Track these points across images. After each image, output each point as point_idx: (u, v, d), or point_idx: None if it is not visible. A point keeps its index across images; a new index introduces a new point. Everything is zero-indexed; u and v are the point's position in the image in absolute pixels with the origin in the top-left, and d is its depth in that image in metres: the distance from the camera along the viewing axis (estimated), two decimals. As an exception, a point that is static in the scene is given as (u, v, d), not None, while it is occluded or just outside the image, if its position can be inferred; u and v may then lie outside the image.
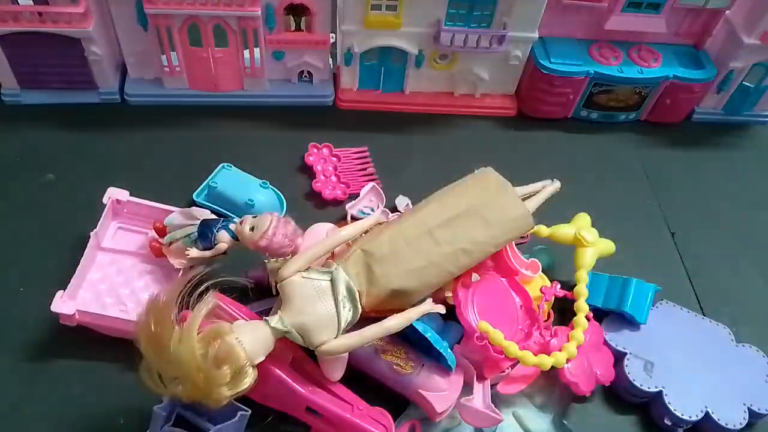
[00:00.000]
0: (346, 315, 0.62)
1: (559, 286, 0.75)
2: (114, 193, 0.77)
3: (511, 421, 0.70)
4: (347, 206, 0.85)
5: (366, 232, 0.69)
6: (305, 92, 1.00)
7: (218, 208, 0.83)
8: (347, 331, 0.62)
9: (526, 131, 1.02)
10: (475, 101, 1.03)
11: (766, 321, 0.83)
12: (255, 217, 0.68)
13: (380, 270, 0.64)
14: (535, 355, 0.66)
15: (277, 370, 0.61)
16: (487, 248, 0.69)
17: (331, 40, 0.95)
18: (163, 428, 0.59)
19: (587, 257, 0.76)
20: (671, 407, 0.70)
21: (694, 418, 0.70)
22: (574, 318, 0.71)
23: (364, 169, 0.92)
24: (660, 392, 0.71)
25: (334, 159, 0.92)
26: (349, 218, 0.84)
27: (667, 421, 0.70)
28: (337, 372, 0.64)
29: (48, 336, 0.71)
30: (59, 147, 0.90)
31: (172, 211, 0.75)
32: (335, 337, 0.61)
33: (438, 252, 0.66)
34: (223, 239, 0.69)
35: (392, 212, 0.84)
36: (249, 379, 0.56)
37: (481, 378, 0.68)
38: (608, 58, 0.97)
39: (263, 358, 0.58)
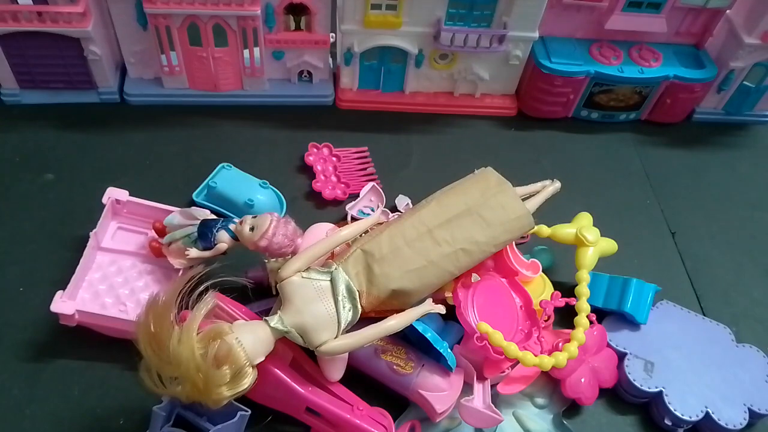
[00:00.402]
0: (346, 315, 0.62)
1: (560, 296, 0.74)
2: (114, 193, 0.77)
3: (511, 421, 0.70)
4: (347, 206, 0.85)
5: (366, 232, 0.69)
6: (305, 92, 1.00)
7: (218, 208, 0.83)
8: (347, 331, 0.62)
9: (527, 131, 1.02)
10: (475, 101, 1.03)
11: (767, 321, 0.83)
12: (255, 217, 0.68)
13: (380, 270, 0.64)
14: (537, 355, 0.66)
15: (277, 371, 0.61)
16: (487, 248, 0.69)
17: (331, 40, 0.95)
18: (163, 428, 0.60)
19: (588, 257, 0.76)
20: (671, 407, 0.70)
21: (694, 418, 0.70)
22: (576, 318, 0.71)
23: (364, 169, 0.92)
24: (660, 392, 0.71)
25: (334, 159, 0.92)
26: (349, 218, 0.84)
27: (667, 421, 0.70)
28: (336, 372, 0.64)
29: (48, 336, 0.71)
30: (59, 147, 0.90)
31: (171, 211, 0.75)
32: (335, 338, 0.61)
33: (438, 252, 0.66)
34: (223, 239, 0.69)
35: (392, 212, 0.84)
36: (249, 379, 0.56)
37: (481, 378, 0.68)
38: (609, 58, 0.97)
39: (263, 359, 0.58)
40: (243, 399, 0.59)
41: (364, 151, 0.94)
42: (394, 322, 0.62)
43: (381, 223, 0.72)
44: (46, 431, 0.65)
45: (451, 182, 0.74)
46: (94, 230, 0.74)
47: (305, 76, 0.99)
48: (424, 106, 1.02)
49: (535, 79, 0.98)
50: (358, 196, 0.87)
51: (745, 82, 1.02)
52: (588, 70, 0.96)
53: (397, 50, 0.94)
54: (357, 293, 0.63)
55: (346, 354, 0.64)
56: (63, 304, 0.67)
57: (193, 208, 0.75)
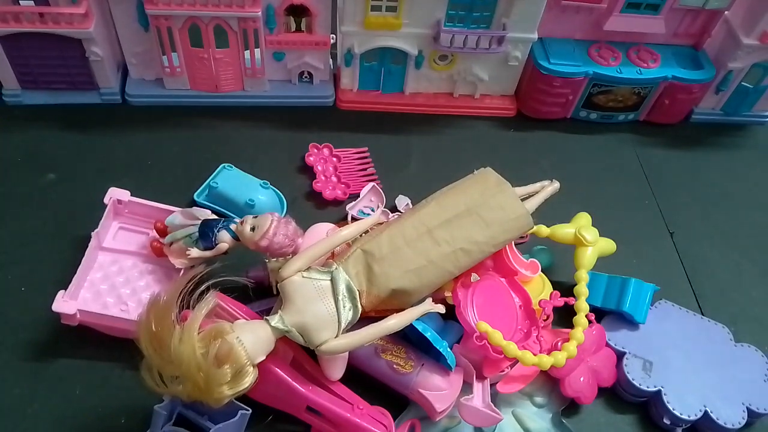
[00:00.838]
0: (347, 315, 0.62)
1: (559, 295, 0.75)
2: (115, 193, 0.77)
3: (510, 420, 0.70)
4: (347, 206, 0.85)
5: (366, 232, 0.69)
6: (305, 93, 1.00)
7: (219, 208, 0.83)
8: (347, 330, 0.62)
9: (526, 131, 1.03)
10: (474, 102, 1.03)
11: (765, 320, 0.83)
12: (256, 217, 0.68)
13: (380, 270, 0.64)
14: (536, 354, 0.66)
15: (278, 370, 0.61)
16: (487, 248, 0.70)
17: (332, 41, 0.95)
18: (164, 427, 0.60)
19: (587, 257, 0.76)
20: (670, 406, 0.70)
21: (693, 418, 0.70)
22: (575, 317, 0.71)
23: (365, 170, 0.92)
24: (659, 392, 0.71)
25: (335, 159, 0.92)
26: (349, 218, 0.84)
27: (666, 421, 0.71)
28: (337, 371, 0.64)
29: (49, 336, 0.71)
30: (60, 147, 0.90)
31: (173, 211, 0.75)
32: (335, 337, 0.61)
33: (437, 252, 0.67)
34: (224, 239, 0.69)
35: (392, 212, 0.84)
36: (249, 378, 0.57)
37: (480, 377, 0.68)
38: (607, 59, 0.97)
39: (264, 358, 0.58)
40: (244, 398, 0.59)
41: (364, 152, 0.94)
42: (394, 322, 0.62)
43: (381, 223, 0.72)
44: (48, 430, 0.66)
45: (451, 182, 0.74)
46: (95, 230, 0.74)
47: (306, 77, 1.00)
48: (424, 107, 1.02)
49: (534, 79, 0.98)
50: (358, 196, 0.87)
51: (743, 83, 1.02)
52: (587, 70, 0.96)
53: (397, 51, 0.94)
54: (357, 293, 0.63)
55: (347, 353, 0.64)
56: (65, 303, 0.67)
57: (194, 208, 0.75)
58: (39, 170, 0.87)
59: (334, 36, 0.97)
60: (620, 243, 0.81)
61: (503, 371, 0.69)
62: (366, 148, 0.94)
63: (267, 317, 0.60)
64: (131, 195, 0.77)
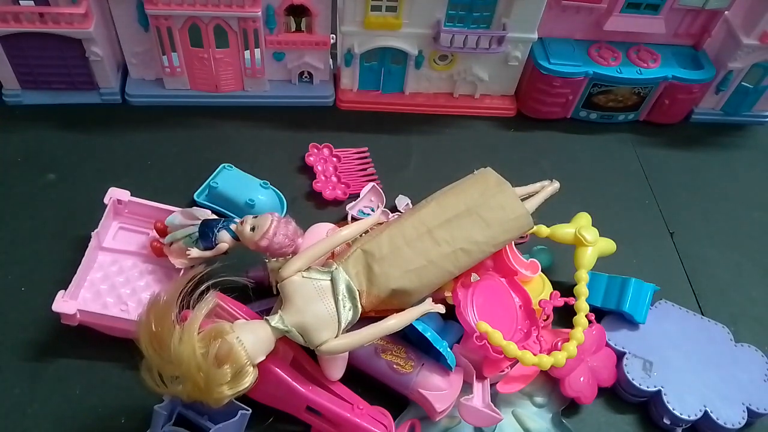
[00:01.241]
0: (347, 315, 0.62)
1: (559, 295, 0.75)
2: (115, 193, 0.77)
3: (510, 420, 0.70)
4: (347, 206, 0.85)
5: (366, 232, 0.69)
6: (305, 93, 1.00)
7: (219, 208, 0.83)
8: (347, 330, 0.62)
9: (526, 131, 1.03)
10: (474, 102, 1.03)
11: (765, 320, 0.83)
12: (256, 217, 0.68)
13: (380, 270, 0.64)
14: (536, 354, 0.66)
15: (278, 370, 0.61)
16: (487, 248, 0.70)
17: (332, 41, 0.95)
18: (164, 427, 0.60)
19: (587, 257, 0.76)
20: (670, 406, 0.70)
21: (693, 418, 0.70)
22: (575, 317, 0.71)
23: (365, 170, 0.92)
24: (659, 392, 0.71)
25: (335, 159, 0.92)
26: (349, 218, 0.84)
27: (666, 421, 0.71)
28: (337, 371, 0.64)
29: (49, 336, 0.71)
30: (60, 147, 0.90)
31: (173, 211, 0.75)
32: (335, 337, 0.61)
33: (437, 252, 0.67)
34: (224, 239, 0.69)
35: (392, 212, 0.84)
36: (249, 378, 0.57)
37: (480, 377, 0.68)
38: (607, 59, 0.97)
39: (264, 358, 0.58)
40: (244, 398, 0.59)
41: (364, 152, 0.94)
42: (394, 322, 0.62)
43: (381, 223, 0.72)
44: (48, 430, 0.66)
45: (451, 182, 0.74)
46: (95, 230, 0.74)
47: (306, 77, 1.00)
48: (424, 107, 1.02)
49: (534, 79, 0.98)
50: (358, 196, 0.87)
51: (743, 83, 1.02)
52: (587, 71, 0.96)
53: (397, 51, 0.95)
54: (357, 293, 0.63)
55: (347, 353, 0.64)
56: (65, 303, 0.67)
57: (194, 208, 0.75)
58: (39, 170, 0.87)
59: (334, 36, 0.97)
60: (620, 243, 0.81)
61: (503, 371, 0.69)
62: (366, 148, 0.94)
63: (267, 317, 0.60)
64: (131, 195, 0.77)
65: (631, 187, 0.97)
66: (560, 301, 0.74)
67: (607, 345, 0.75)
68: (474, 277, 0.71)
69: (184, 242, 0.71)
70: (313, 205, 0.88)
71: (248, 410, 0.61)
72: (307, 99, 1.00)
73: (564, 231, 0.78)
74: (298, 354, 0.66)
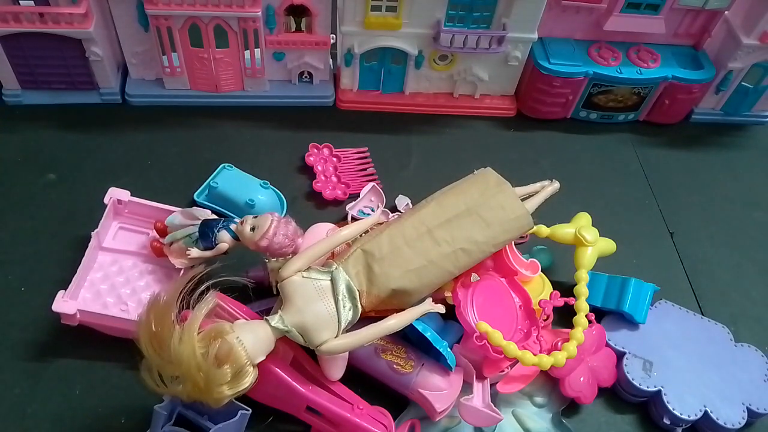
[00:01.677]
0: (347, 315, 0.62)
1: (559, 295, 0.74)
2: (115, 193, 0.77)
3: (510, 420, 0.70)
4: (347, 206, 0.85)
5: (366, 232, 0.69)
6: (305, 93, 1.00)
7: (219, 209, 0.83)
8: (347, 330, 0.62)
9: (526, 131, 1.03)
10: (474, 102, 1.03)
11: (765, 320, 0.83)
12: (256, 217, 0.68)
13: (380, 269, 0.64)
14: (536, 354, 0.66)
15: (278, 370, 0.61)
16: (487, 248, 0.70)
17: (332, 41, 0.95)
18: (164, 427, 0.60)
19: (587, 257, 0.76)
20: (670, 406, 0.70)
21: (693, 418, 0.70)
22: (575, 318, 0.71)
23: (365, 170, 0.92)
24: (659, 391, 0.71)
25: (335, 159, 0.92)
26: (349, 218, 0.84)
27: (666, 421, 0.71)
28: (337, 371, 0.64)
29: (49, 336, 0.71)
30: (60, 147, 0.90)
31: (173, 211, 0.75)
32: (335, 337, 0.61)
33: (437, 252, 0.67)
34: (224, 239, 0.69)
35: (392, 212, 0.84)
36: (250, 378, 0.57)
37: (480, 377, 0.68)
38: (607, 59, 0.97)
39: (264, 358, 0.58)
40: (244, 398, 0.59)
41: (364, 152, 0.94)
42: (394, 322, 0.62)
43: (381, 223, 0.72)
44: (48, 430, 0.66)
45: (451, 182, 0.74)
46: (95, 230, 0.74)
47: (306, 77, 1.00)
48: (424, 107, 1.02)
49: (534, 80, 0.98)
50: (358, 196, 0.87)
51: (743, 83, 1.02)
52: (587, 71, 0.96)
53: (397, 51, 0.95)
54: (357, 293, 0.63)
55: (347, 353, 0.64)
56: (65, 303, 0.67)
57: (194, 208, 0.75)
58: (39, 170, 0.87)
59: (334, 36, 0.97)
60: (620, 243, 0.81)
61: (503, 371, 0.69)
62: (366, 148, 0.94)
63: (267, 317, 0.60)
64: (131, 195, 0.77)
65: (631, 187, 0.97)
66: (560, 301, 0.74)
67: (607, 345, 0.75)
68: (474, 277, 0.71)
69: (184, 242, 0.71)
70: (313, 205, 0.88)
71: (248, 410, 0.61)
72: (307, 99, 1.00)
73: (564, 231, 0.78)
74: (298, 354, 0.66)
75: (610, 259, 0.80)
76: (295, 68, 0.97)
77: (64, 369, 0.69)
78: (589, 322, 0.72)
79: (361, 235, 0.69)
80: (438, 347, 0.66)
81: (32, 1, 0.84)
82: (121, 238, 0.78)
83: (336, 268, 0.64)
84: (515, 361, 0.67)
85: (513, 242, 0.75)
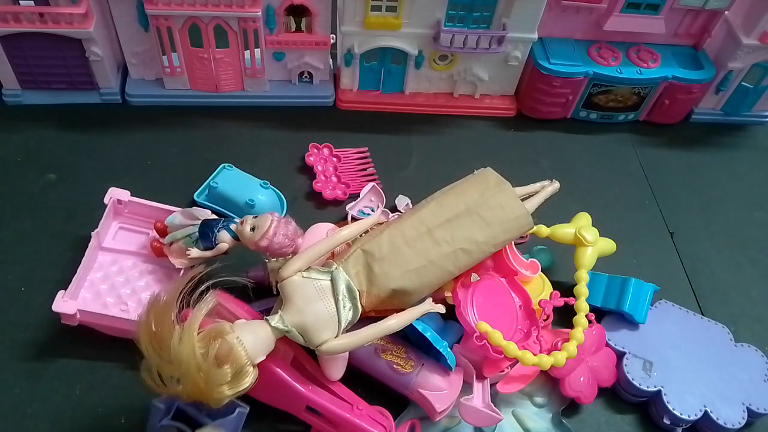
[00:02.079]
0: (347, 315, 0.62)
1: (559, 295, 0.74)
2: (115, 193, 0.77)
3: (510, 420, 0.70)
4: (347, 206, 0.85)
5: (366, 232, 0.69)
6: (305, 93, 1.00)
7: (219, 209, 0.83)
8: (347, 330, 0.62)
9: (526, 131, 1.03)
10: (474, 102, 1.03)
11: (765, 320, 0.83)
12: (256, 217, 0.68)
13: (380, 269, 0.64)
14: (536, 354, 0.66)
15: (278, 370, 0.61)
16: (487, 248, 0.70)
17: (332, 41, 0.95)
18: (162, 421, 0.60)
19: (587, 257, 0.76)
20: (670, 406, 0.70)
21: (693, 418, 0.70)
22: (574, 318, 0.71)
23: (364, 170, 0.92)
24: (659, 391, 0.71)
25: (335, 159, 0.92)
26: (349, 218, 0.84)
27: (666, 421, 0.71)
28: (337, 371, 0.64)
29: (49, 336, 0.71)
30: (60, 147, 0.90)
31: (172, 211, 0.75)
32: (335, 337, 0.61)
33: (437, 252, 0.67)
34: (224, 239, 0.69)
35: (392, 212, 0.84)
36: (250, 378, 0.57)
37: (480, 377, 0.68)
38: (607, 59, 0.97)
39: (264, 358, 0.58)
40: (243, 397, 0.59)
41: (364, 152, 0.94)
42: (394, 322, 0.62)
43: (381, 223, 0.72)
44: (48, 430, 0.66)
45: (451, 182, 0.74)
46: (95, 230, 0.74)
47: (306, 77, 1.00)
48: (424, 107, 1.02)
49: (534, 80, 0.98)
50: (358, 196, 0.87)
51: (743, 83, 1.02)
52: (587, 71, 0.96)
53: (397, 51, 0.95)
54: (357, 293, 0.63)
55: (347, 353, 0.64)
56: (65, 303, 0.67)
57: (194, 208, 0.75)
58: (39, 170, 0.87)
59: (334, 36, 0.97)
60: (620, 243, 0.81)
61: (503, 371, 0.69)
62: (366, 148, 0.94)
63: (267, 317, 0.60)
64: (131, 195, 0.77)
65: (631, 187, 0.97)
66: (560, 301, 0.74)
67: (607, 345, 0.75)
68: (474, 277, 0.71)
69: (184, 242, 0.71)
70: (313, 205, 0.88)
71: (246, 407, 0.61)
72: (307, 99, 1.00)
73: (564, 231, 0.78)
74: (299, 354, 0.66)
75: (610, 259, 0.80)
76: (295, 68, 0.97)
77: (64, 369, 0.69)
78: (589, 322, 0.72)
79: (361, 235, 0.69)
80: (438, 347, 0.66)
81: (32, 1, 0.84)
82: (121, 238, 0.78)
83: (336, 268, 0.64)
84: (515, 361, 0.67)
85: (513, 242, 0.74)
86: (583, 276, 0.74)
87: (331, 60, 0.99)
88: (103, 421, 0.67)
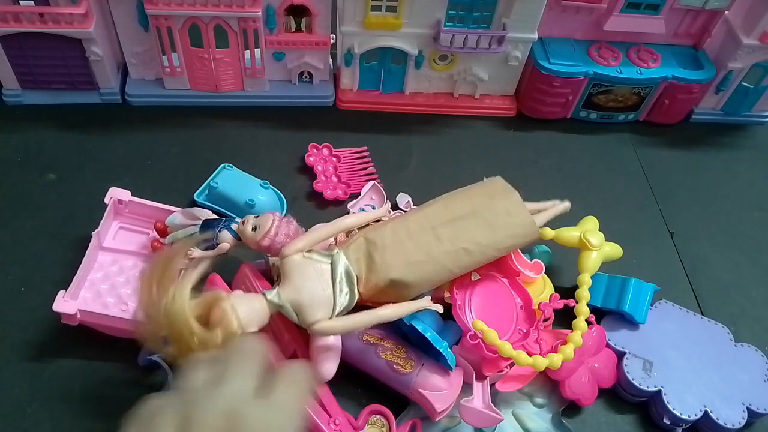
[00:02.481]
0: (342, 299, 0.62)
1: (558, 297, 0.74)
2: (116, 193, 0.77)
3: (510, 420, 0.70)
4: (348, 205, 0.85)
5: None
6: (305, 93, 1.00)
7: (219, 208, 0.83)
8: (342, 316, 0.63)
9: (526, 131, 1.03)
10: (474, 102, 1.03)
11: (765, 320, 0.83)
12: (257, 216, 0.68)
13: (380, 259, 0.64)
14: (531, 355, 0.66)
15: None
16: (489, 251, 0.69)
17: (332, 41, 0.95)
18: (148, 357, 0.60)
19: (591, 260, 0.76)
20: (670, 406, 0.70)
21: (693, 418, 0.70)
22: (574, 321, 0.71)
23: (364, 170, 0.92)
24: (659, 392, 0.71)
25: (334, 159, 0.92)
26: (350, 217, 0.84)
27: (666, 421, 0.71)
28: (329, 366, 0.64)
29: (49, 335, 0.71)
30: (60, 147, 0.90)
31: (173, 211, 0.75)
32: (329, 319, 0.61)
33: (439, 248, 0.67)
34: (226, 239, 0.69)
35: (394, 210, 0.84)
36: None
37: (480, 377, 0.68)
38: (607, 59, 0.97)
39: (256, 329, 0.59)
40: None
41: (364, 152, 0.94)
42: (390, 311, 0.63)
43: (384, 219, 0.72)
44: (48, 430, 0.66)
45: (452, 182, 0.74)
46: (96, 230, 0.74)
47: (306, 77, 1.00)
48: (424, 107, 1.02)
49: (534, 80, 0.98)
50: (358, 196, 0.87)
51: (743, 83, 1.02)
52: (587, 71, 0.96)
53: (397, 51, 0.95)
54: (356, 278, 0.64)
55: (339, 346, 0.64)
56: (65, 303, 0.67)
57: (194, 208, 0.75)
58: (39, 170, 0.87)
59: (334, 36, 0.97)
60: (620, 243, 0.80)
61: (503, 371, 0.69)
62: (366, 148, 0.94)
63: (264, 291, 0.61)
64: (132, 195, 0.77)
65: (631, 187, 0.97)
66: (560, 304, 0.74)
67: (607, 345, 0.75)
68: (474, 276, 0.71)
69: (185, 242, 0.71)
70: (313, 205, 0.88)
71: None
72: (307, 99, 1.00)
73: (569, 234, 0.78)
74: (299, 348, 0.66)
75: (611, 259, 0.80)
76: (295, 68, 0.97)
77: (64, 369, 0.69)
78: (589, 323, 0.72)
79: (365, 226, 0.69)
80: (438, 347, 0.66)
81: (32, 1, 0.84)
82: (122, 238, 0.78)
83: (337, 252, 0.64)
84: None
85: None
86: (585, 280, 0.74)
87: (331, 60, 0.99)
88: (103, 421, 0.66)
